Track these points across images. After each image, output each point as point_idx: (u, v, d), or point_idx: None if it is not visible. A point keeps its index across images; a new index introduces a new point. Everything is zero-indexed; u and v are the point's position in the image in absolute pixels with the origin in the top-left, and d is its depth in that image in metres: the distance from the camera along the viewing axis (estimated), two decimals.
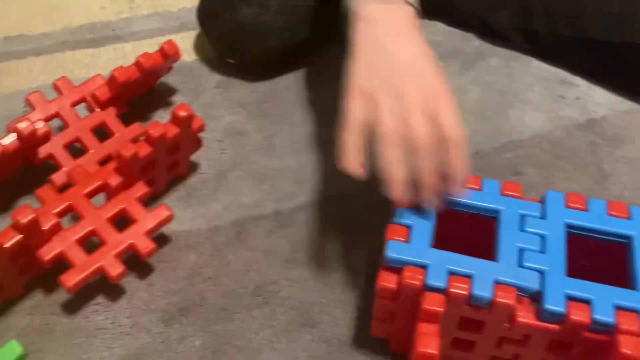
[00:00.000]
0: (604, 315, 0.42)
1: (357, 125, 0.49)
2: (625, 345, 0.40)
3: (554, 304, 0.43)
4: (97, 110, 0.64)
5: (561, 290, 0.43)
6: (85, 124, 0.63)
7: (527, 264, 0.45)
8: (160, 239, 0.60)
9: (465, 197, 0.49)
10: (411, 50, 0.52)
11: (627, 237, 0.47)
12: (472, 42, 0.82)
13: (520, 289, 0.44)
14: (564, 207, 0.49)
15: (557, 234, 0.47)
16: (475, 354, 0.48)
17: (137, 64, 0.63)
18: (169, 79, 0.75)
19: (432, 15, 0.84)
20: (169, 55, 0.65)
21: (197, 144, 0.64)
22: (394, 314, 0.48)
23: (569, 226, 0.48)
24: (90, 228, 0.54)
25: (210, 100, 0.73)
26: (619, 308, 0.42)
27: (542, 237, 0.47)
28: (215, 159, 0.67)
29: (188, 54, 0.78)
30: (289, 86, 0.76)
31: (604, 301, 0.43)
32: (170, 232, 0.61)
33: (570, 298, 0.43)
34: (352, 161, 0.49)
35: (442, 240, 0.47)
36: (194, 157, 0.66)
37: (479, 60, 0.79)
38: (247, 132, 0.70)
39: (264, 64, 0.75)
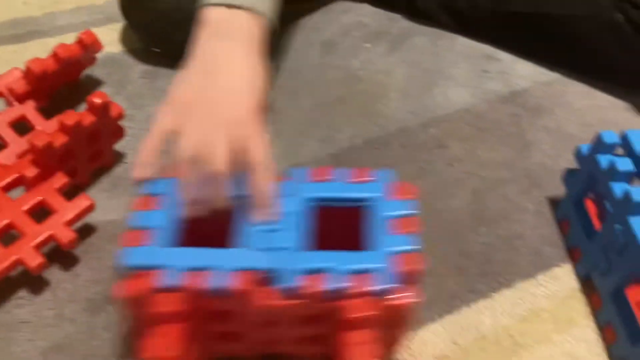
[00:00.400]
0: (336, 282, 0.42)
1: (161, 132, 0.49)
2: (354, 308, 0.41)
3: (287, 280, 0.43)
4: (16, 104, 0.63)
5: (296, 266, 0.43)
6: (3, 119, 0.62)
7: (264, 246, 0.45)
8: (86, 230, 0.59)
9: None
10: (239, 72, 0.52)
11: (366, 200, 0.48)
12: (398, 23, 0.83)
13: (258, 271, 0.44)
14: (307, 182, 0.49)
15: (298, 210, 0.47)
16: (243, 342, 0.48)
17: (54, 55, 0.63)
18: (95, 71, 0.74)
19: None
20: (87, 45, 0.64)
21: (119, 132, 0.63)
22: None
23: (313, 199, 0.48)
24: (6, 221, 0.54)
25: (137, 90, 0.73)
26: (352, 272, 0.43)
27: (283, 214, 0.47)
28: None
29: (114, 46, 0.78)
30: None
31: (337, 268, 0.43)
32: (96, 222, 0.60)
33: (307, 271, 0.43)
34: (143, 164, 0.48)
35: (195, 237, 0.46)
36: (120, 147, 0.66)
37: (405, 40, 0.80)
38: None
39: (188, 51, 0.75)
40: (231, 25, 0.54)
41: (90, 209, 0.57)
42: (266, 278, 0.44)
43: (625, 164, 0.52)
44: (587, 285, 0.56)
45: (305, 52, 0.79)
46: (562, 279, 0.57)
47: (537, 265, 0.58)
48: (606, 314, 0.53)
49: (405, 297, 0.43)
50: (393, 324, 0.45)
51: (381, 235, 0.45)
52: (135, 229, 0.46)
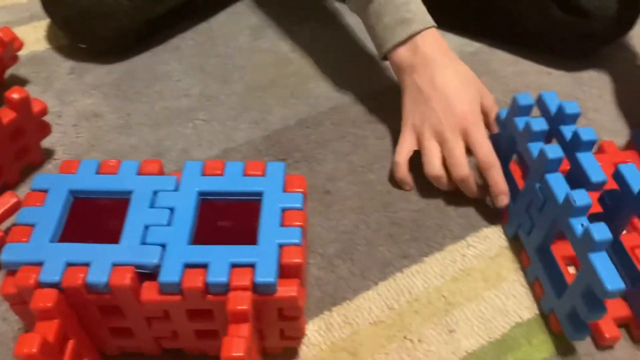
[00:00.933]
0: (217, 277, 0.42)
1: (406, 150, 0.62)
2: (233, 301, 0.41)
3: (168, 276, 0.42)
4: None
5: (179, 261, 0.43)
6: None
7: (149, 241, 0.44)
8: None
9: (97, 182, 0.48)
10: (452, 75, 0.62)
11: (260, 194, 0.48)
12: (328, 4, 0.84)
13: (139, 266, 0.43)
14: (200, 176, 0.49)
15: (187, 205, 0.47)
16: (136, 339, 0.48)
17: None
18: (20, 70, 0.73)
19: None
20: (5, 42, 0.63)
21: (45, 129, 0.62)
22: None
23: (204, 193, 0.48)
24: None
25: (64, 86, 0.72)
26: (235, 266, 0.43)
27: (171, 210, 0.46)
28: (70, 144, 0.66)
29: (40, 44, 0.77)
30: (146, 64, 0.75)
31: (220, 262, 0.43)
32: None
33: (189, 266, 0.43)
34: (403, 177, 0.62)
35: (81, 232, 0.46)
36: (48, 144, 0.65)
37: (334, 21, 0.81)
38: (103, 114, 0.69)
39: (116, 45, 0.75)
40: (419, 55, 0.62)
41: (16, 206, 0.56)
42: (147, 273, 0.43)
43: (539, 124, 0.53)
44: (516, 244, 0.58)
45: (235, 37, 0.79)
46: (491, 239, 0.58)
47: (467, 228, 0.59)
48: (534, 270, 0.54)
49: (286, 291, 0.43)
50: (281, 317, 0.45)
51: (269, 229, 0.45)
52: (21, 225, 0.45)
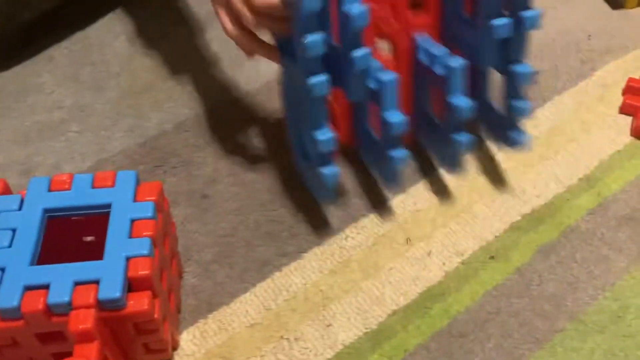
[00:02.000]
0: (58, 297, 0.41)
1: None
2: (75, 321, 0.40)
3: (6, 301, 0.40)
4: None
5: (19, 283, 0.41)
6: None
7: None
8: None
9: None
10: None
11: (109, 206, 0.46)
12: (205, 6, 0.82)
13: None
14: (46, 192, 0.47)
15: (31, 224, 0.45)
16: None
17: None
18: None
19: None
20: None
21: None
22: None
23: (50, 210, 0.46)
24: None
25: None
26: (79, 284, 0.41)
27: (13, 230, 0.44)
28: None
29: None
30: (17, 77, 0.72)
31: (62, 281, 0.41)
32: None
33: (29, 288, 0.41)
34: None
35: None
36: None
37: (212, 21, 0.79)
38: None
39: None
40: None
41: None
42: None
43: None
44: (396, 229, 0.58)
45: (111, 44, 0.76)
46: (369, 228, 0.58)
47: (346, 219, 0.59)
48: None
49: (137, 304, 0.42)
50: (139, 331, 0.44)
51: (116, 242, 0.44)
52: None
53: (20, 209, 0.45)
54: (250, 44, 0.52)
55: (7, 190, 0.47)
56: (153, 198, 0.46)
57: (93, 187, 0.47)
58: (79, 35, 0.78)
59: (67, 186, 0.47)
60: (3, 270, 0.42)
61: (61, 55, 0.75)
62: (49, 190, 0.47)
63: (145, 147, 0.65)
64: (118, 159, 0.64)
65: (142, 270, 0.42)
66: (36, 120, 0.68)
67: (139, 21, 0.79)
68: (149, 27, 0.78)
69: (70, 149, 0.65)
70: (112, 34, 0.78)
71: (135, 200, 0.46)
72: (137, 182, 0.47)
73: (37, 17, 0.72)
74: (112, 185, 0.47)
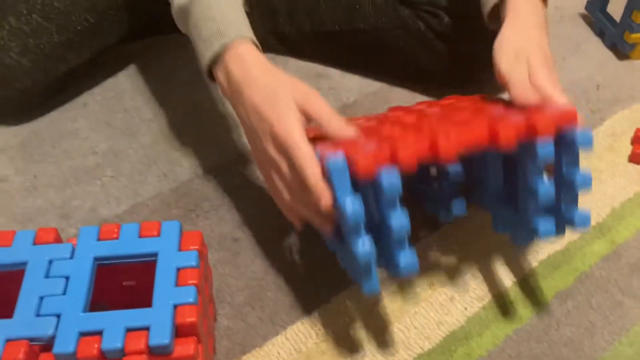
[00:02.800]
0: (112, 343, 0.43)
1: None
2: None
3: (62, 346, 0.43)
4: None
5: (74, 330, 0.43)
6: None
7: (43, 312, 0.45)
8: None
9: None
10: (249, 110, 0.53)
11: (155, 255, 0.48)
12: None
13: (34, 339, 0.43)
14: (95, 241, 0.49)
15: (83, 272, 0.47)
16: None
17: None
18: None
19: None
20: None
21: None
22: None
23: (100, 258, 0.48)
24: None
25: None
26: (130, 330, 0.43)
27: (67, 278, 0.47)
28: None
29: None
30: (52, 123, 0.75)
31: (115, 328, 0.43)
32: None
33: (84, 334, 0.43)
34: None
35: None
36: None
37: None
38: (8, 177, 0.69)
39: (20, 105, 0.74)
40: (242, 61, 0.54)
41: None
42: (42, 346, 0.43)
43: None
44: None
45: (143, 89, 0.80)
46: None
47: None
48: None
49: (183, 350, 0.44)
50: None
51: (163, 290, 0.46)
52: None
53: (72, 257, 0.48)
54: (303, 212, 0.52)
55: (58, 239, 0.50)
56: (196, 247, 0.49)
57: (140, 236, 0.50)
58: (110, 82, 0.82)
59: (115, 235, 0.49)
60: (59, 316, 0.44)
61: (94, 101, 0.79)
62: (98, 239, 0.49)
63: (178, 192, 0.68)
64: (152, 203, 0.67)
65: (189, 317, 0.44)
66: (72, 165, 0.71)
67: (169, 67, 0.83)
68: (178, 72, 0.82)
69: (106, 194, 0.68)
70: (143, 80, 0.81)
71: (179, 249, 0.49)
72: (181, 232, 0.50)
73: (72, 69, 0.76)
74: (158, 235, 0.50)
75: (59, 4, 0.71)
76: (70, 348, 0.43)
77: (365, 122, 0.57)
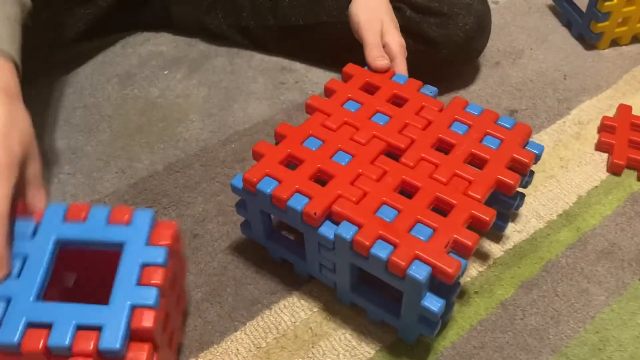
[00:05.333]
0: (60, 340, 0.40)
1: None
2: None
3: (7, 336, 0.41)
4: None
5: (22, 318, 0.41)
6: None
7: None
8: None
9: None
10: None
11: (121, 245, 0.46)
12: (197, 47, 0.85)
13: None
14: (61, 221, 0.46)
15: (42, 253, 0.44)
16: None
17: None
18: None
19: (155, 27, 0.86)
20: None
21: None
22: None
23: (62, 242, 0.46)
24: None
25: None
26: (81, 327, 0.41)
27: (24, 258, 0.44)
28: None
29: None
30: None
31: (65, 323, 0.41)
32: None
33: (32, 325, 0.41)
34: None
35: None
36: None
37: (204, 63, 0.82)
38: None
39: None
40: None
41: None
42: None
43: None
44: None
45: (103, 86, 0.78)
46: None
47: None
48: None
49: (135, 356, 0.42)
50: None
51: (123, 287, 0.44)
52: None
53: (34, 234, 0.46)
54: None
55: (25, 210, 0.47)
56: (167, 242, 0.46)
57: (109, 221, 0.47)
58: (69, 78, 0.80)
59: (82, 216, 0.47)
60: (8, 301, 0.42)
61: (52, 98, 0.77)
62: (65, 219, 0.47)
63: (137, 188, 0.66)
64: (109, 200, 0.65)
65: (146, 322, 0.42)
66: None
67: (131, 64, 0.81)
68: (137, 69, 0.80)
69: (62, 191, 0.66)
70: (103, 77, 0.80)
71: (148, 243, 0.46)
72: (153, 222, 0.47)
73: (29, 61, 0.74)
74: (128, 223, 0.47)
75: None
76: (14, 339, 0.41)
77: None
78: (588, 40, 0.86)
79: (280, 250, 0.58)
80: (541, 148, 0.56)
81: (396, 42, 0.65)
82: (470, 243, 0.47)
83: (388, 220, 0.49)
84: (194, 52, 0.84)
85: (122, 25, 0.86)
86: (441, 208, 0.51)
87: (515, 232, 0.63)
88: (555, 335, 0.55)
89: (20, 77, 0.53)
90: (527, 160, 0.54)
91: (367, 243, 0.47)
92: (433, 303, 0.47)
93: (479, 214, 0.49)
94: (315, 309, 0.56)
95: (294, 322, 0.55)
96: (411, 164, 0.53)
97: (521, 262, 0.60)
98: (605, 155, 0.71)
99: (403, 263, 0.46)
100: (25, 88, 0.76)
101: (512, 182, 0.52)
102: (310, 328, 0.55)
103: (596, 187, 0.68)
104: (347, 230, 0.48)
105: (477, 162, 0.55)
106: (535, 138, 0.73)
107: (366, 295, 0.54)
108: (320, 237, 0.50)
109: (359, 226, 0.48)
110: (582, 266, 0.60)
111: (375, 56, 0.64)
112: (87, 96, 0.77)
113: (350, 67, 0.63)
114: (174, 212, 0.64)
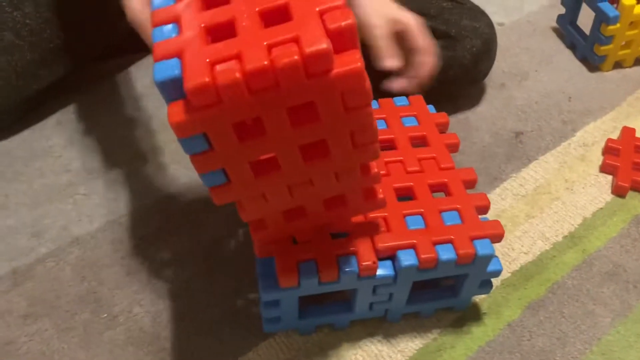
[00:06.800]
0: None
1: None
2: None
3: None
4: None
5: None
6: None
7: None
8: None
9: None
10: None
11: None
12: None
13: None
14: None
15: None
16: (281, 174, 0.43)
17: None
18: None
19: None
20: None
21: None
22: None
23: None
24: None
25: None
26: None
27: None
28: None
29: None
30: (25, 142, 0.75)
31: None
32: None
33: None
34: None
35: None
36: None
37: None
38: None
39: None
40: None
41: None
42: None
43: None
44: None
45: (120, 107, 0.80)
46: None
47: None
48: None
49: (345, 62, 0.36)
50: (347, 110, 0.38)
51: None
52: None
53: None
54: None
55: None
56: None
57: None
58: (86, 99, 0.81)
59: None
60: None
61: (68, 120, 0.78)
62: None
63: (152, 209, 0.68)
64: (125, 221, 0.66)
65: (343, 19, 0.36)
66: (44, 183, 0.70)
67: (142, 86, 0.83)
68: (151, 90, 0.82)
69: (78, 212, 0.67)
70: (120, 97, 0.81)
71: None
72: None
73: (44, 88, 0.76)
74: None
75: (31, 22, 0.72)
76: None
77: None
78: (592, 62, 0.87)
79: (315, 321, 0.57)
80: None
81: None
82: (486, 202, 0.55)
83: (422, 226, 0.52)
84: None
85: (134, 47, 0.88)
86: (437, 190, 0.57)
87: (522, 254, 0.64)
88: (562, 356, 0.56)
89: None
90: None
91: (433, 255, 0.50)
92: (496, 265, 0.53)
93: (466, 177, 0.57)
94: (328, 332, 0.58)
95: (304, 345, 0.57)
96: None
97: (528, 283, 0.62)
98: (610, 177, 0.72)
99: (470, 250, 0.50)
100: (40, 107, 0.79)
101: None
102: (322, 349, 0.56)
103: (601, 208, 0.69)
104: (408, 258, 0.50)
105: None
106: (541, 160, 0.74)
107: (420, 298, 0.57)
108: (379, 280, 0.51)
109: (412, 247, 0.51)
110: (588, 288, 0.61)
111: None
112: (102, 118, 0.79)
113: (381, 102, 0.65)
114: (191, 233, 0.65)
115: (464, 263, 0.51)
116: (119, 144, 0.75)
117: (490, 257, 0.51)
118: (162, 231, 0.65)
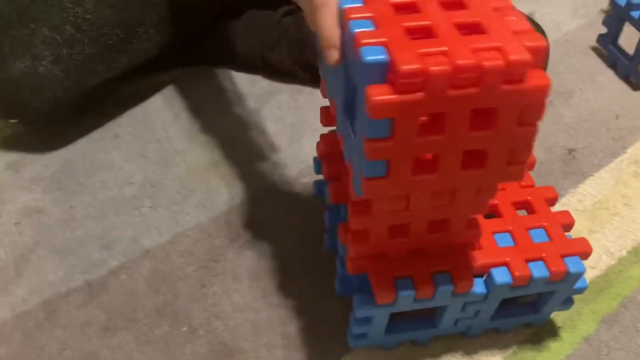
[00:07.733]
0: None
1: None
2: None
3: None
4: None
5: None
6: None
7: None
8: None
9: None
10: None
11: None
12: (259, 83, 0.87)
13: None
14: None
15: None
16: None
17: None
18: None
19: (218, 64, 0.89)
20: None
21: None
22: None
23: None
24: None
25: (1, 183, 0.70)
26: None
27: None
28: (13, 243, 0.64)
29: None
30: (84, 153, 0.75)
31: None
32: None
33: None
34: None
35: None
36: None
37: (268, 99, 0.84)
38: (45, 209, 0.68)
39: (49, 118, 0.73)
40: None
41: None
42: None
43: None
44: None
45: (173, 120, 0.80)
46: None
47: None
48: None
49: (537, 78, 0.39)
50: (520, 122, 0.40)
51: None
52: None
53: None
54: None
55: None
56: None
57: None
58: (138, 112, 0.82)
59: None
60: None
61: (126, 132, 0.79)
62: None
63: (218, 222, 0.68)
64: (193, 233, 0.66)
65: (537, 41, 0.38)
66: (108, 196, 0.70)
67: (199, 98, 0.83)
68: (209, 104, 0.83)
69: (146, 224, 0.67)
70: (172, 110, 0.82)
71: None
72: None
73: (100, 85, 0.76)
74: None
75: (91, 17, 0.72)
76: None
77: None
78: (635, 81, 0.89)
79: (400, 337, 0.57)
80: None
81: None
82: (570, 220, 0.56)
83: (511, 244, 0.53)
84: (257, 89, 0.86)
85: (185, 60, 0.88)
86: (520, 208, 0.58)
87: (590, 269, 0.65)
88: None
89: None
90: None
91: (527, 273, 0.51)
92: (582, 282, 0.54)
93: (548, 195, 0.58)
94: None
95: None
96: None
97: (599, 297, 0.62)
98: None
99: (562, 268, 0.51)
100: (97, 119, 0.79)
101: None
102: None
103: None
104: (502, 276, 0.51)
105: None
106: (596, 176, 0.76)
107: (502, 314, 0.57)
108: (471, 296, 0.52)
109: (505, 265, 0.51)
110: None
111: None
112: (160, 130, 0.79)
113: None
114: (260, 246, 0.66)
115: (556, 280, 0.52)
116: (178, 157, 0.75)
117: (581, 274, 0.52)
118: (233, 244, 0.66)
